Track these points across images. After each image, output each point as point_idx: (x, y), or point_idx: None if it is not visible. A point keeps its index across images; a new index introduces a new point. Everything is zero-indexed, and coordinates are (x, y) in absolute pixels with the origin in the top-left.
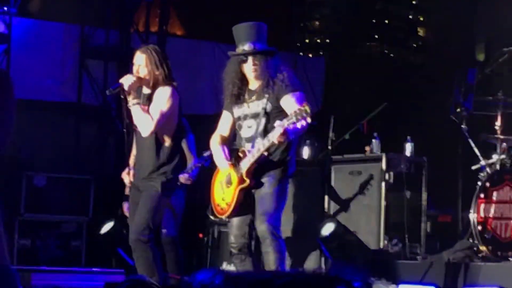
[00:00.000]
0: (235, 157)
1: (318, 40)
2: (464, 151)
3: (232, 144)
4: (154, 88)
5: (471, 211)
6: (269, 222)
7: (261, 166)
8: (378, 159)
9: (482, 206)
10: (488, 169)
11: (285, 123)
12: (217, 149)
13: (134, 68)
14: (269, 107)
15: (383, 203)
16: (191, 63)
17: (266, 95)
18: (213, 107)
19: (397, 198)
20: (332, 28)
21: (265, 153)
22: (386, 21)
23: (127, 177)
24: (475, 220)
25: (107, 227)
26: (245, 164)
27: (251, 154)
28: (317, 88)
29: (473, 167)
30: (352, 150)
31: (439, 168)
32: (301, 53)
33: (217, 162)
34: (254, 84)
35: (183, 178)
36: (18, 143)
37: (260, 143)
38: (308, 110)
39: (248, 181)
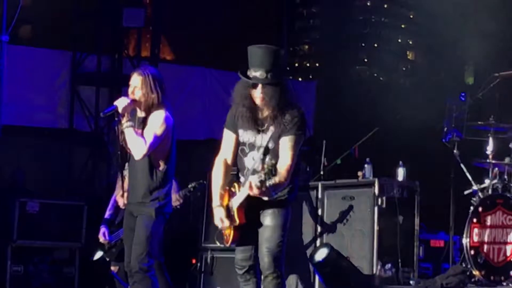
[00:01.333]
0: (229, 188)
1: (308, 64)
2: (456, 175)
3: (230, 170)
4: (148, 111)
5: (464, 235)
6: (271, 258)
7: (258, 202)
8: (371, 184)
9: (475, 230)
10: (480, 194)
11: (255, 179)
12: (215, 184)
13: (130, 89)
14: (271, 144)
15: (376, 228)
16: (182, 88)
17: (270, 132)
18: (204, 132)
19: (390, 223)
20: (321, 52)
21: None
22: (375, 45)
23: (121, 199)
24: (468, 245)
25: (99, 253)
26: (235, 202)
27: (239, 193)
28: (308, 112)
29: (466, 192)
30: (344, 175)
31: (431, 193)
32: (291, 77)
33: (213, 197)
34: (264, 112)
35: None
36: (10, 169)
37: (247, 183)
38: (271, 165)
39: (238, 221)
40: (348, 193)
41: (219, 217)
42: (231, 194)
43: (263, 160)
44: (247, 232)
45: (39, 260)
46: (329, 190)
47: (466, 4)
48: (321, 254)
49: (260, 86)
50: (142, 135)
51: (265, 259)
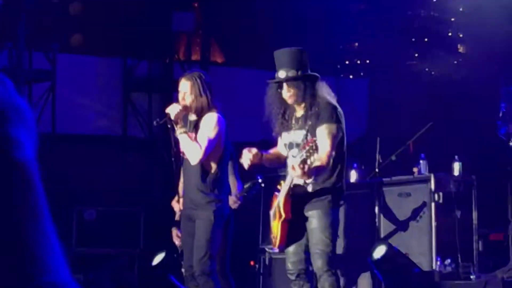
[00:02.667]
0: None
1: (358, 62)
2: None
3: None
4: (200, 115)
5: None
6: (324, 259)
7: (303, 198)
8: (427, 180)
9: None
10: None
11: (297, 160)
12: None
13: (180, 95)
14: (309, 138)
15: (433, 223)
16: (234, 90)
17: (307, 126)
18: (258, 134)
19: (448, 218)
20: (371, 49)
21: (304, 183)
22: (426, 39)
23: (176, 205)
24: None
25: (158, 258)
26: (280, 198)
27: (282, 190)
28: (361, 110)
29: None
30: (399, 171)
31: (488, 186)
32: (342, 75)
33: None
34: (299, 110)
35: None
36: (67, 177)
37: (290, 169)
38: (312, 142)
39: (284, 215)
40: (405, 189)
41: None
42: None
43: (306, 138)
44: (295, 235)
45: (98, 268)
46: (385, 187)
47: None
48: (379, 251)
49: (285, 85)
50: (195, 139)
51: (318, 262)
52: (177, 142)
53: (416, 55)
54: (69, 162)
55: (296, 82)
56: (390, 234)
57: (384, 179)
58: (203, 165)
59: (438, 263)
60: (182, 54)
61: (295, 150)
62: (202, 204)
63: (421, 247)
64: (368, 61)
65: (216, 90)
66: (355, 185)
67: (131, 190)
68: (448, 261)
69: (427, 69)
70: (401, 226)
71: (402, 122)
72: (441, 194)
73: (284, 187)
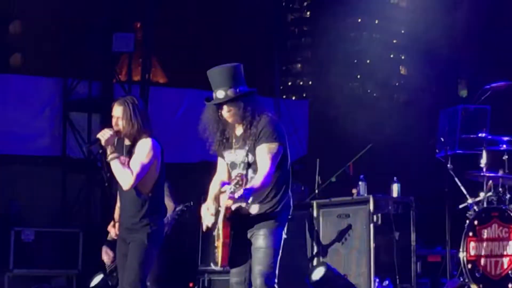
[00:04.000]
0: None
1: (301, 83)
2: (451, 189)
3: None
4: (134, 139)
5: (461, 249)
6: (262, 279)
7: (246, 219)
8: (366, 201)
9: (472, 244)
10: (475, 207)
11: (226, 188)
12: (210, 194)
13: (113, 120)
14: (250, 158)
15: (372, 244)
16: (175, 110)
17: (247, 146)
18: (198, 155)
19: (386, 239)
20: (314, 70)
21: (246, 205)
22: (368, 61)
23: (113, 230)
24: (465, 259)
25: (96, 279)
26: (219, 221)
27: (220, 212)
28: (302, 131)
29: (461, 206)
30: (339, 193)
31: (427, 208)
32: (284, 96)
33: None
34: (238, 128)
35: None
36: (5, 198)
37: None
38: (238, 181)
39: (222, 239)
40: (344, 210)
41: (204, 210)
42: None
43: (246, 157)
44: (239, 254)
45: None
46: (325, 208)
47: (456, 17)
48: (318, 273)
49: (224, 106)
50: (128, 164)
51: (257, 281)
52: (110, 167)
53: (359, 76)
54: (8, 183)
55: (236, 102)
56: (329, 255)
57: (323, 201)
58: (138, 189)
59: (377, 284)
60: (124, 75)
61: (237, 171)
62: (137, 227)
63: (359, 268)
64: (310, 82)
65: (158, 110)
66: (294, 205)
67: (70, 210)
68: (386, 282)
69: (369, 91)
70: (340, 247)
71: (342, 144)
72: (379, 215)
73: (221, 211)
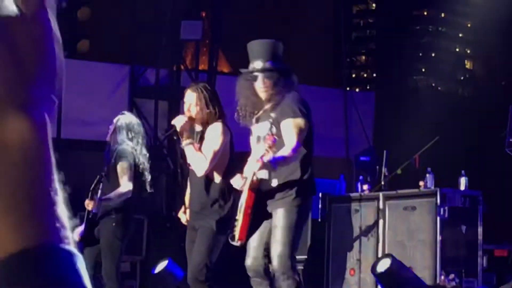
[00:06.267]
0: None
1: (365, 75)
2: None
3: None
4: (206, 125)
5: None
6: (280, 261)
7: (267, 193)
8: (433, 194)
9: None
10: None
11: (259, 150)
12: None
13: (185, 106)
14: (274, 130)
15: (438, 238)
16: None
17: (271, 118)
18: None
19: (453, 233)
20: (379, 62)
21: (269, 176)
22: (433, 54)
23: (183, 215)
24: None
25: (161, 266)
26: (243, 192)
27: (245, 182)
28: (368, 123)
29: None
30: (405, 185)
31: (494, 202)
32: (347, 88)
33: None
34: (267, 102)
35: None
36: (73, 183)
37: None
38: (270, 142)
39: (244, 210)
40: (410, 203)
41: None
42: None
43: (270, 130)
44: (257, 231)
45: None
46: (391, 200)
47: None
48: (383, 264)
49: (260, 76)
50: (200, 150)
51: (274, 262)
52: (183, 153)
53: (423, 70)
54: (75, 167)
55: (271, 74)
56: (395, 248)
57: (389, 193)
58: (208, 176)
59: (442, 277)
60: (189, 63)
61: (262, 142)
62: (205, 212)
63: (425, 261)
64: (375, 75)
65: (223, 100)
66: (361, 197)
67: (135, 197)
68: (452, 275)
69: (433, 84)
70: (406, 239)
71: (408, 136)
72: (446, 208)
73: (246, 181)
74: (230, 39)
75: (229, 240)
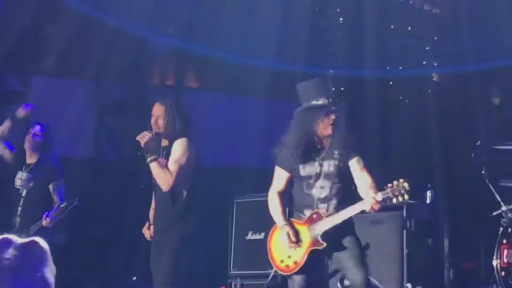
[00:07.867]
0: (309, 217)
1: None
2: (485, 197)
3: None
4: (171, 140)
5: (494, 257)
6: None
7: (337, 227)
8: (399, 208)
9: (505, 251)
10: (510, 214)
11: (380, 197)
12: (275, 206)
13: (152, 119)
14: (342, 167)
15: (405, 251)
16: (207, 116)
17: (338, 155)
18: (230, 159)
19: (419, 246)
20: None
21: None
22: (400, 68)
23: (147, 232)
24: (499, 266)
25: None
26: (321, 227)
27: (330, 218)
28: None
29: (494, 213)
30: None
31: (460, 215)
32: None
33: (275, 219)
34: (326, 141)
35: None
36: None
37: (345, 209)
38: (407, 187)
39: (324, 244)
40: (377, 217)
41: (287, 233)
42: (312, 220)
43: (339, 168)
44: (310, 262)
45: None
46: (358, 214)
47: None
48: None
49: (333, 113)
50: (166, 165)
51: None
52: (149, 169)
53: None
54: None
55: (342, 111)
56: None
57: None
58: (173, 191)
59: None
60: (157, 79)
61: (324, 181)
62: (170, 229)
63: (392, 274)
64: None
65: (190, 115)
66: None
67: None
68: None
69: (401, 97)
70: (373, 253)
71: (371, 150)
72: (413, 221)
73: (334, 218)
74: (199, 54)
75: (269, 268)
